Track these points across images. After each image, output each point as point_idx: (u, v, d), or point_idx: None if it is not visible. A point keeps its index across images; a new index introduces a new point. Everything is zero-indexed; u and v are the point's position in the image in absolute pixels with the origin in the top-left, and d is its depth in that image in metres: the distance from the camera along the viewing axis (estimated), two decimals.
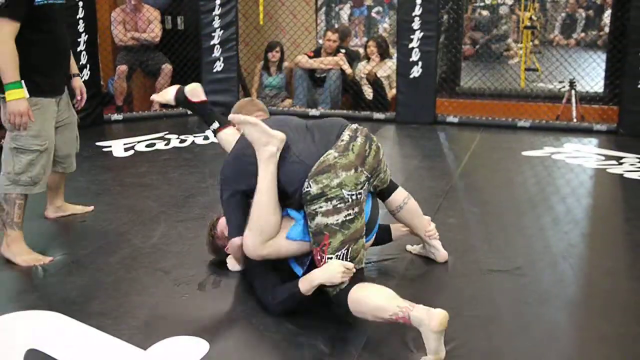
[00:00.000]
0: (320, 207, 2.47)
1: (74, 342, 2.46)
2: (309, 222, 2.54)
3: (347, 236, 2.48)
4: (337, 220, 2.47)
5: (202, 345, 2.41)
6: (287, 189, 2.57)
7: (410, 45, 6.23)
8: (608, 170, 4.79)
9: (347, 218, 2.48)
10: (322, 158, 2.51)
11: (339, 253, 2.47)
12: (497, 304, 2.76)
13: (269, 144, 2.55)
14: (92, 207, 3.92)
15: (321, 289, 2.51)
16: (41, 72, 3.16)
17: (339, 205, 2.47)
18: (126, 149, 5.41)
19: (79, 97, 3.66)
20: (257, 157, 2.57)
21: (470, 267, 3.12)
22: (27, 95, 3.03)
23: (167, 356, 2.37)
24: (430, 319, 2.20)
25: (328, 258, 2.48)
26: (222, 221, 2.95)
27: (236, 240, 2.69)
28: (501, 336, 2.51)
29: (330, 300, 2.52)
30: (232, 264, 2.98)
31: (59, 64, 3.31)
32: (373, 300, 2.39)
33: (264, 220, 2.58)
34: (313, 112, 6.62)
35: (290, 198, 2.59)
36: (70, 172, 3.73)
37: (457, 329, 2.54)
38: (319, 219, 2.48)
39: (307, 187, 2.49)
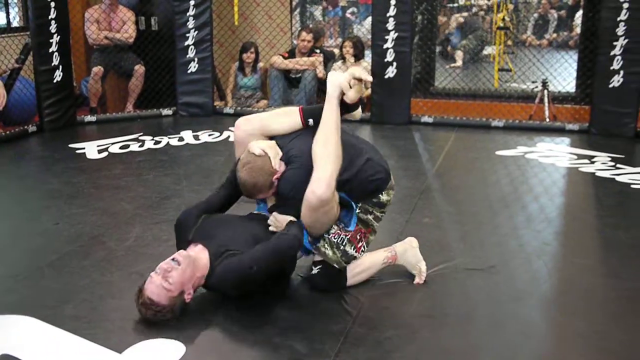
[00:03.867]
0: (376, 211, 2.86)
1: (49, 346, 2.44)
2: (360, 212, 2.83)
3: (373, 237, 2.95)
4: (376, 225, 2.91)
5: (178, 348, 2.40)
6: (366, 176, 2.79)
7: (385, 46, 6.26)
8: (580, 169, 4.85)
9: (377, 226, 2.93)
10: (391, 179, 2.90)
11: (365, 247, 2.89)
12: (472, 302, 2.78)
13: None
14: None
15: (327, 270, 2.81)
16: None
17: (381, 216, 2.91)
18: (100, 151, 5.36)
19: None
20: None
21: (446, 266, 3.14)
22: None
23: (143, 359, 2.35)
24: (409, 242, 3.01)
25: (365, 245, 2.87)
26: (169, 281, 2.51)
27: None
28: (476, 334, 2.53)
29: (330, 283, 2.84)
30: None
31: None
32: (365, 261, 2.90)
33: (339, 158, 2.66)
34: None
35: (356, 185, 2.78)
36: None
37: (433, 328, 2.56)
38: (370, 217, 2.86)
39: (380, 195, 2.83)
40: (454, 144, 5.75)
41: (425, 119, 6.47)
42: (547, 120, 6.46)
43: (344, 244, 2.80)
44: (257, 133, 2.84)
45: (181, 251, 2.64)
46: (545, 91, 6.56)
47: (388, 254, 2.96)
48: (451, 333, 2.54)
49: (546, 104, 6.52)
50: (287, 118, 2.85)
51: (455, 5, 12.00)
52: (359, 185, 2.77)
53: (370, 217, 2.85)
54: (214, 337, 2.52)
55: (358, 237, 2.83)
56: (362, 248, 2.86)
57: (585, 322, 2.62)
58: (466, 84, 7.30)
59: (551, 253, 3.38)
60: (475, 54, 10.11)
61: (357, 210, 2.82)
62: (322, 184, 2.58)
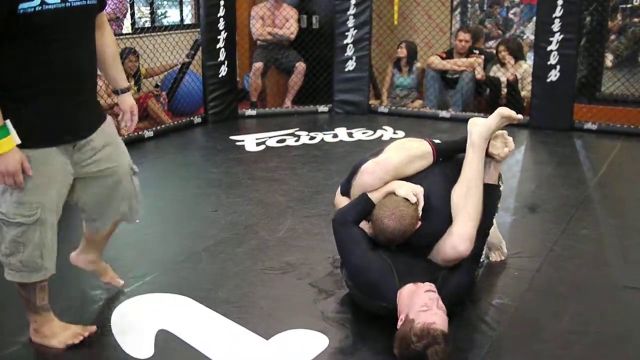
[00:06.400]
0: None
1: (201, 326, 2.58)
2: None
3: None
4: None
5: (322, 341, 2.45)
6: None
7: (549, 48, 6.00)
8: None
9: None
10: None
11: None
12: (630, 323, 2.61)
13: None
14: (122, 282, 2.88)
15: None
16: (33, 108, 2.17)
17: None
18: (258, 144, 5.57)
19: (128, 123, 2.60)
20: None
21: (603, 282, 2.96)
22: (18, 141, 2.11)
23: (288, 347, 2.43)
24: None
25: None
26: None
27: None
28: (631, 358, 2.37)
29: None
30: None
31: (63, 95, 2.22)
32: None
33: (479, 212, 2.63)
34: (443, 114, 6.52)
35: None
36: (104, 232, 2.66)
37: (584, 346, 2.43)
38: None
39: None
40: (619, 153, 5.40)
41: (589, 125, 6.13)
42: None
43: None
44: (390, 179, 2.66)
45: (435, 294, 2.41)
46: None
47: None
48: (603, 354, 2.39)
49: None
50: (421, 162, 2.72)
51: (629, 6, 11.26)
52: None
53: None
54: (358, 334, 2.54)
55: None
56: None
57: None
58: (637, 89, 6.82)
59: None
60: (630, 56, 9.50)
61: None
62: (465, 240, 2.55)
